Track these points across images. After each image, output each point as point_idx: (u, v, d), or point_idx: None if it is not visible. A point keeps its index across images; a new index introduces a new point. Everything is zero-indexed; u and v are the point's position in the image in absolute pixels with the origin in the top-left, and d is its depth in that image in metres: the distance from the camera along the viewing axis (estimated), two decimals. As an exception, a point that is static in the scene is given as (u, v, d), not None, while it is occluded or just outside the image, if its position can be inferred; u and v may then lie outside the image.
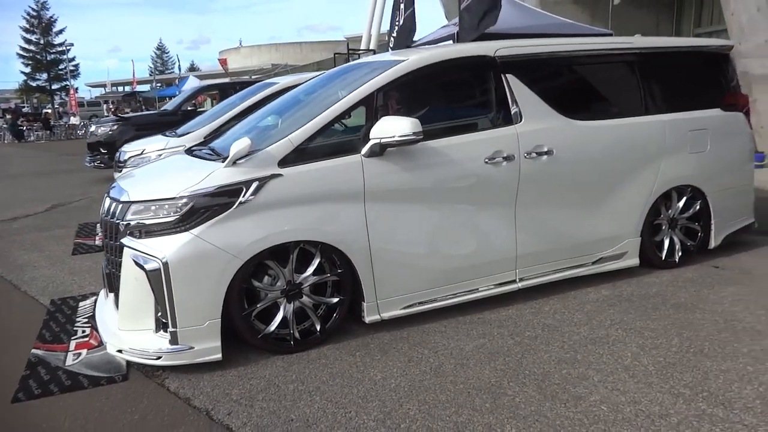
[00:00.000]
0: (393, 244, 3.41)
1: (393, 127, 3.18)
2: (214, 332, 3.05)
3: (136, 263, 3.03)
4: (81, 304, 4.23)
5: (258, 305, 3.20)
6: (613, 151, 4.02)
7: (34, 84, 43.67)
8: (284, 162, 3.16)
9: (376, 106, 3.38)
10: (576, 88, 4.18)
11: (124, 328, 3.20)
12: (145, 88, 44.41)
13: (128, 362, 3.18)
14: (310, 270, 3.28)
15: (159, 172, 3.55)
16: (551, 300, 3.91)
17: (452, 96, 3.88)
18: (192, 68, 70.28)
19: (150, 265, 2.98)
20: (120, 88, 50.39)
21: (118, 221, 3.17)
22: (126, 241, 3.10)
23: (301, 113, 3.62)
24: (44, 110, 36.49)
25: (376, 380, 2.94)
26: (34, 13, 42.58)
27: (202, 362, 3.07)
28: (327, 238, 3.23)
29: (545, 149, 3.74)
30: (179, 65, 52.12)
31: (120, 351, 3.15)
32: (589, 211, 4.02)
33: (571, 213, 3.95)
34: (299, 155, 3.20)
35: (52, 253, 5.78)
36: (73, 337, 3.62)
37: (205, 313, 3.02)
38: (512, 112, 3.69)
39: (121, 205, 3.19)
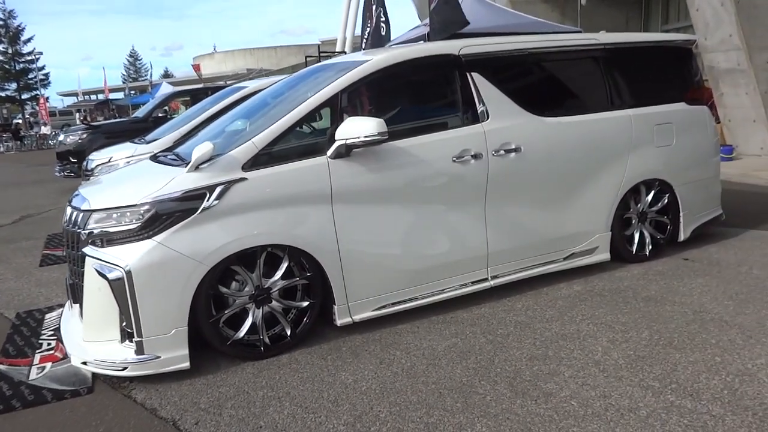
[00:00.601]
0: (362, 246, 3.39)
1: (358, 127, 3.16)
2: (181, 340, 2.99)
3: (99, 273, 2.96)
4: (47, 316, 4.14)
5: (226, 311, 3.15)
6: (581, 146, 4.04)
7: (3, 94, 42.79)
8: (248, 165, 3.12)
9: (340, 107, 3.35)
10: (542, 84, 4.20)
11: (89, 339, 3.13)
12: (119, 96, 43.84)
13: (94, 374, 3.11)
14: (279, 274, 3.24)
15: (121, 180, 3.48)
16: (524, 297, 3.91)
17: (419, 95, 3.87)
18: (166, 75, 69.49)
19: (113, 274, 2.91)
20: (93, 97, 49.66)
21: (79, 230, 3.10)
22: (88, 250, 3.03)
23: (267, 116, 3.57)
24: (15, 120, 35.82)
25: (347, 383, 2.91)
26: (1, 22, 41.72)
27: (169, 371, 3.00)
28: (295, 242, 3.19)
29: (513, 146, 3.74)
30: (151, 72, 51.51)
31: (85, 363, 3.07)
32: (559, 208, 4.03)
33: (541, 209, 3.96)
34: (264, 158, 3.17)
35: (19, 266, 5.66)
36: (37, 351, 3.53)
37: (171, 322, 2.97)
38: (479, 111, 3.69)
39: (82, 214, 3.11)
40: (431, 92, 3.85)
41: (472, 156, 3.62)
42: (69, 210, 3.30)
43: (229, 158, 3.12)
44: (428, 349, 3.23)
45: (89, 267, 3.01)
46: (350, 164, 3.30)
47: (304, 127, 3.50)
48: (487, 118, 3.71)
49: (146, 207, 2.94)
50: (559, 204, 4.02)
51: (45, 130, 28.24)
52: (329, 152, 3.26)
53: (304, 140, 3.45)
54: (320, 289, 3.36)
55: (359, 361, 3.13)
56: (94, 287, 3.02)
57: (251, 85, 6.76)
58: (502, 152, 3.72)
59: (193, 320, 3.03)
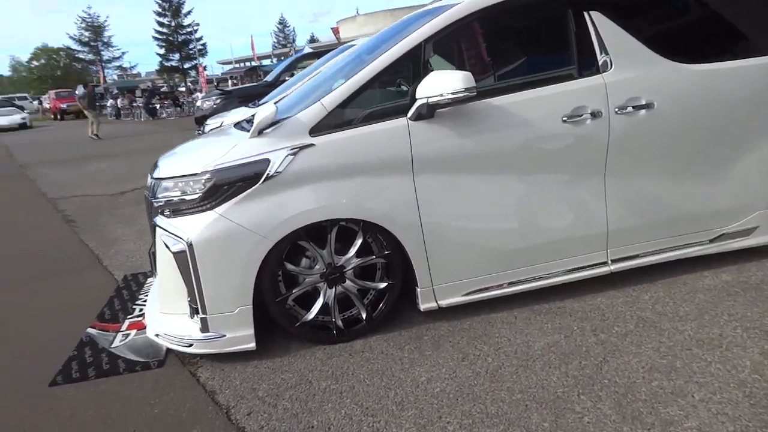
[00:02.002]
0: (449, 222, 2.93)
1: (441, 83, 2.67)
2: (246, 319, 2.79)
3: (165, 244, 2.82)
4: (149, 280, 4.20)
5: (293, 291, 2.90)
6: (737, 100, 3.18)
7: (168, 64, 47.02)
8: (317, 129, 2.78)
9: (424, 60, 2.87)
10: (685, 21, 3.33)
11: (165, 310, 3.05)
12: (267, 62, 46.07)
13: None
14: (352, 251, 2.91)
15: (195, 148, 3.31)
16: (653, 287, 3.23)
17: (521, 43, 3.24)
18: (312, 40, 71.86)
19: (176, 247, 2.76)
20: (246, 64, 52.80)
21: (152, 199, 2.98)
22: (158, 220, 2.90)
23: (346, 74, 3.18)
24: (178, 88, 39.13)
25: (419, 382, 2.52)
26: (165, -4, 45.64)
27: (235, 351, 2.83)
28: (369, 216, 2.82)
29: (643, 102, 3.02)
30: (294, 38, 53.53)
31: (157, 335, 2.99)
32: (706, 177, 3.24)
33: (679, 180, 3.20)
34: (334, 121, 2.80)
35: (143, 227, 5.89)
36: (129, 316, 3.57)
37: (236, 299, 2.76)
38: (599, 58, 3.01)
39: (154, 182, 2.99)
40: (537, 38, 3.20)
41: (588, 114, 2.97)
42: (149, 178, 3.21)
43: (295, 122, 2.80)
44: (522, 346, 2.73)
45: (159, 238, 2.89)
46: (434, 127, 2.84)
47: (386, 85, 3.06)
48: (610, 67, 3.02)
49: (207, 176, 2.72)
50: (705, 173, 3.23)
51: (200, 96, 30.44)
52: (409, 113, 2.81)
53: (381, 100, 3.02)
54: (400, 269, 2.98)
55: (439, 355, 2.73)
56: (164, 259, 2.90)
57: (359, 42, 6.39)
58: (628, 109, 3.02)
59: (259, 298, 2.80)
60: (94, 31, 50.69)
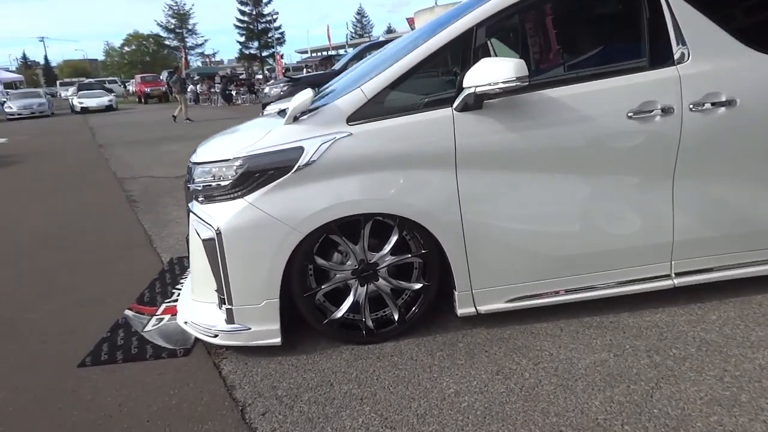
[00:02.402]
0: (494, 222, 2.71)
1: (491, 71, 2.45)
2: (273, 313, 2.69)
3: (196, 231, 2.76)
4: (193, 265, 4.19)
5: (323, 286, 2.77)
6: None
7: (247, 52, 48.33)
8: (355, 118, 2.63)
9: (474, 46, 2.65)
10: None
11: (196, 298, 3.00)
12: (342, 51, 46.50)
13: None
14: (387, 248, 2.75)
15: (233, 133, 3.24)
16: (723, 306, 2.89)
17: (584, 29, 2.95)
18: (389, 31, 71.97)
19: (205, 234, 2.69)
20: (322, 53, 53.57)
21: (189, 184, 2.93)
22: (191, 206, 2.85)
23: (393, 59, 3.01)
24: (256, 76, 40.13)
25: (446, 395, 2.34)
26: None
27: (260, 345, 2.73)
28: (406, 212, 2.65)
29: (723, 98, 2.68)
30: (371, 28, 53.71)
31: (186, 323, 2.95)
32: (795, 186, 2.85)
33: (762, 188, 2.83)
34: (373, 110, 2.64)
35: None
36: (166, 300, 3.56)
37: (262, 292, 2.67)
38: (674, 48, 2.69)
39: (191, 167, 2.94)
40: (602, 23, 2.91)
41: (659, 111, 2.67)
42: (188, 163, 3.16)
43: (333, 109, 2.65)
44: (565, 363, 2.49)
45: (191, 224, 2.84)
46: (482, 119, 2.62)
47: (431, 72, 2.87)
48: (687, 58, 2.69)
49: (239, 162, 2.63)
50: (795, 181, 2.84)
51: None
52: (455, 103, 2.61)
53: (425, 89, 2.82)
54: (438, 270, 2.80)
55: (472, 365, 2.53)
56: (195, 245, 2.84)
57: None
58: (705, 106, 2.69)
59: (287, 292, 2.69)
60: (180, 19, 52.85)
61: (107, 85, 37.58)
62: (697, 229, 2.83)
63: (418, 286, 2.83)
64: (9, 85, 41.60)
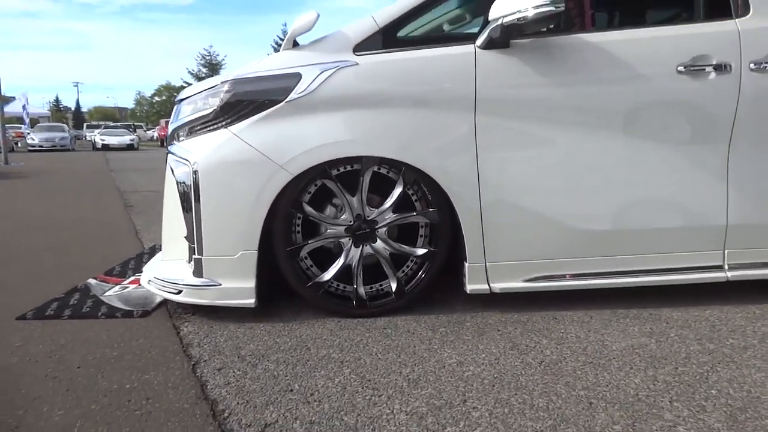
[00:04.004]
0: (516, 182, 2.37)
1: (521, -1, 2.16)
2: (248, 268, 2.32)
3: (171, 169, 2.46)
4: (177, 251, 3.86)
5: (310, 241, 2.41)
6: None
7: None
8: (363, 47, 2.34)
9: (505, -25, 2.38)
10: None
11: (166, 257, 2.66)
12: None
13: (165, 301, 2.62)
14: (389, 203, 2.40)
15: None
16: (787, 307, 2.45)
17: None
18: None
19: (180, 170, 2.40)
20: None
21: (171, 125, 2.64)
22: (171, 146, 2.55)
23: None
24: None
25: (447, 364, 1.92)
26: None
27: (231, 306, 2.36)
28: (414, 160, 2.32)
29: (790, 58, 2.36)
30: None
31: (149, 281, 2.58)
32: None
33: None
34: (385, 40, 2.36)
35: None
36: (137, 273, 3.20)
37: (239, 240, 2.31)
38: (732, -3, 2.40)
39: (176, 106, 2.66)
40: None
41: (712, 67, 2.34)
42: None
43: (339, 36, 2.38)
44: (595, 344, 2.07)
45: (168, 165, 2.53)
46: (508, 60, 2.32)
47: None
48: (747, 11, 2.39)
49: (226, 88, 2.34)
50: None
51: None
52: (479, 39, 2.31)
53: (447, 21, 2.56)
54: (447, 235, 2.44)
55: (481, 341, 2.12)
56: (170, 190, 2.53)
57: None
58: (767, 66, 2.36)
59: (267, 245, 2.34)
60: (211, 68, 54.19)
61: (133, 129, 38.44)
62: (758, 211, 2.44)
63: (422, 251, 2.46)
64: (35, 121, 42.81)
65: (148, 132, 47.82)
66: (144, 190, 8.16)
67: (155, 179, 9.98)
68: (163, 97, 68.26)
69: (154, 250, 3.85)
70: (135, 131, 34.00)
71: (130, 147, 28.71)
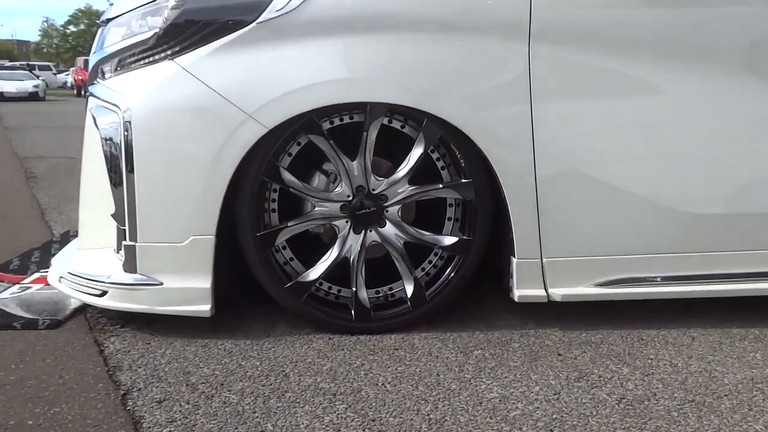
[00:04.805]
0: (588, 144, 2.39)
1: None
2: (202, 260, 2.33)
3: (93, 119, 2.49)
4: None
5: (290, 223, 2.44)
6: None
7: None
8: (365, -52, 2.36)
9: None
10: None
11: (84, 245, 2.71)
12: None
13: (85, 306, 2.68)
14: (405, 169, 2.42)
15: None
16: None
17: None
18: None
19: (106, 122, 2.41)
20: None
21: (94, 54, 2.66)
22: (93, 86, 2.57)
23: None
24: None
25: (484, 399, 1.95)
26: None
27: (178, 314, 2.40)
28: (440, 109, 2.32)
29: None
30: None
31: (61, 279, 2.62)
32: None
33: None
34: (399, -65, 2.37)
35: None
36: (42, 270, 3.25)
37: (189, 222, 2.33)
38: None
39: (101, 29, 2.69)
40: None
41: None
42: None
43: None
44: (699, 376, 2.09)
45: (88, 113, 2.56)
46: (580, -36, 2.35)
47: None
48: None
49: (172, 3, 2.34)
50: None
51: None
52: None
53: None
54: (487, 217, 2.46)
55: (534, 369, 2.15)
56: (91, 150, 2.56)
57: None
58: None
59: (226, 228, 2.37)
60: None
61: (37, 72, 38.66)
62: None
63: (451, 240, 2.49)
64: None
65: (59, 76, 48.14)
66: (53, 155, 8.31)
67: (70, 141, 10.04)
68: (81, 26, 68.59)
69: (68, 236, 3.93)
70: (40, 75, 34.05)
71: (33, 96, 28.99)
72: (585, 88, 2.37)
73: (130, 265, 2.37)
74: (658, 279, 2.45)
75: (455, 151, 2.40)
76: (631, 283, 2.45)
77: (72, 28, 71.40)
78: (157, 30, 2.35)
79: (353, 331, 2.44)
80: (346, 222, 2.45)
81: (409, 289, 2.45)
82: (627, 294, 2.45)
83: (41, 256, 3.53)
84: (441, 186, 2.46)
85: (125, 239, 2.37)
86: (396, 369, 2.15)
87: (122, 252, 2.41)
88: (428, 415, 1.85)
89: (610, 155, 2.40)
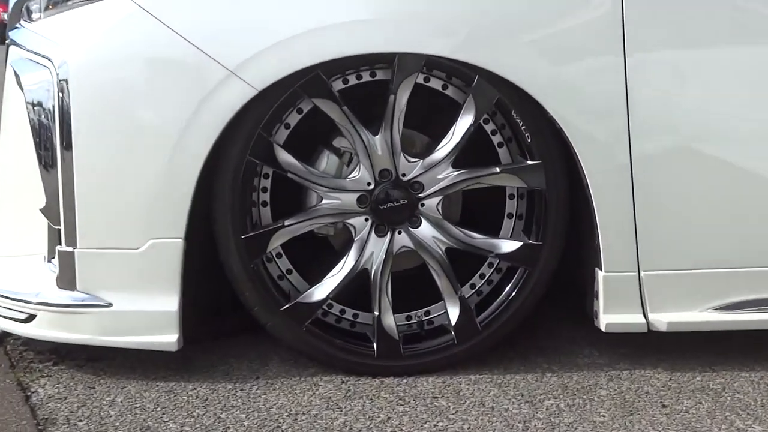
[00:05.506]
0: (705, 112, 2.47)
1: None
2: (167, 273, 2.40)
3: (16, 74, 2.58)
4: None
5: (286, 222, 2.46)
6: None
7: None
8: None
9: None
10: None
11: (2, 251, 2.82)
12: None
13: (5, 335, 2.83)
14: (446, 148, 2.46)
15: None
16: None
17: None
18: None
19: (33, 80, 2.49)
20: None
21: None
22: (15, 31, 2.68)
23: None
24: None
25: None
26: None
27: (131, 346, 2.45)
28: (497, 63, 2.37)
29: None
30: None
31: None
32: None
33: None
34: None
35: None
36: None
37: (147, 219, 2.40)
38: None
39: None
40: None
41: None
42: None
43: None
44: None
45: (9, 68, 2.67)
46: None
47: None
48: None
49: None
50: None
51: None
52: None
53: None
54: (564, 214, 2.51)
55: (630, 426, 2.22)
56: (11, 119, 2.69)
57: None
58: None
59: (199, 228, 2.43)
60: None
61: None
62: None
63: (512, 245, 2.53)
64: None
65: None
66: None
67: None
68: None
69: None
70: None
71: None
72: (704, 31, 2.44)
73: (66, 280, 2.44)
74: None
75: (518, 122, 2.44)
76: (765, 307, 2.49)
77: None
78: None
79: (376, 371, 2.52)
80: (366, 220, 2.50)
81: (454, 314, 2.50)
82: (759, 322, 2.51)
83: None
84: (498, 170, 2.51)
85: (60, 243, 2.45)
86: (435, 425, 2.22)
87: (56, 261, 2.48)
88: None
89: (738, 126, 2.46)
